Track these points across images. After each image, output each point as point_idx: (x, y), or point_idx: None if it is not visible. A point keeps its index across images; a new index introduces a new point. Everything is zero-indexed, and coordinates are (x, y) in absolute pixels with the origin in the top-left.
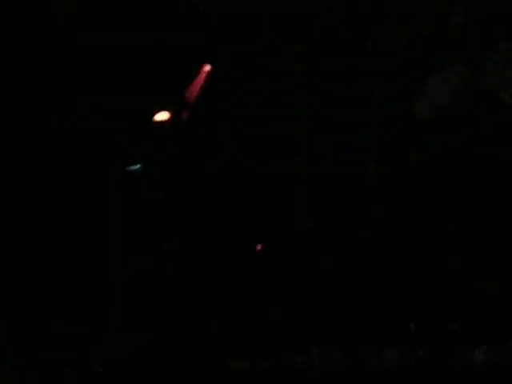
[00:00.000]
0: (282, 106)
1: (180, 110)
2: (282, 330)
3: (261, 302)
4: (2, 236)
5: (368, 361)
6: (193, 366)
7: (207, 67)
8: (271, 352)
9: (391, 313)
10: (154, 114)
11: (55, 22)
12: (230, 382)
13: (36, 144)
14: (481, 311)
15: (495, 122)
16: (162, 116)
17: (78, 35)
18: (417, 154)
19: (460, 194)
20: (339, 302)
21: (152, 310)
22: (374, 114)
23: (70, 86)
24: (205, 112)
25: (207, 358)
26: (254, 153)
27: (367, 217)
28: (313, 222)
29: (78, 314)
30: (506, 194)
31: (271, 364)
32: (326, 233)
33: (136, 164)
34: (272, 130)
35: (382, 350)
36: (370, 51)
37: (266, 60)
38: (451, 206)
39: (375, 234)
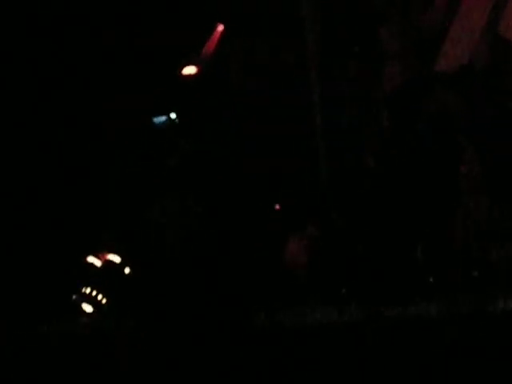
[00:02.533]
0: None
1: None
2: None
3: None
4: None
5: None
6: (215, 323)
7: (220, 27)
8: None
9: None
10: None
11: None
12: (252, 338)
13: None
14: None
15: None
16: (189, 70)
17: None
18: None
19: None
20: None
21: (175, 265)
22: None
23: None
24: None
25: (229, 315)
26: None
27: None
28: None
29: None
30: None
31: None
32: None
33: (161, 115)
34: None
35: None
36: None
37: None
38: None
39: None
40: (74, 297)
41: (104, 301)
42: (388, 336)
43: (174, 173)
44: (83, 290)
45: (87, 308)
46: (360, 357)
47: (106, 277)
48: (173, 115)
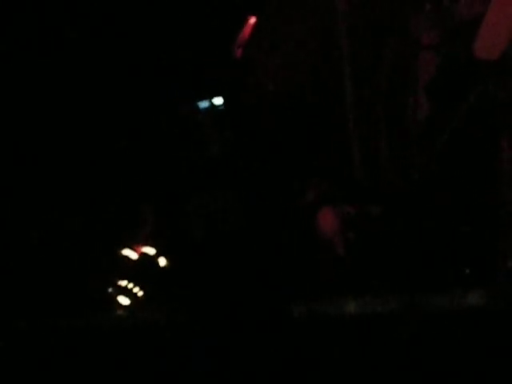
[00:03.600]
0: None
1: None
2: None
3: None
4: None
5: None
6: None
7: (252, 19)
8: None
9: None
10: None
11: None
12: (290, 328)
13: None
14: None
15: None
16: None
17: None
18: None
19: None
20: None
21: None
22: None
23: None
24: None
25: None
26: None
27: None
28: None
29: None
30: None
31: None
32: None
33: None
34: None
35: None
36: None
37: None
38: None
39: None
40: (109, 290)
41: (140, 293)
42: (427, 327)
43: (215, 163)
44: (119, 282)
45: (123, 301)
46: (398, 348)
47: (142, 269)
48: (217, 101)
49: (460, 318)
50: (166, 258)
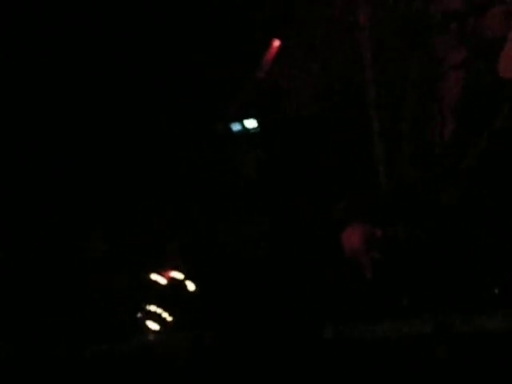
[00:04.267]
0: None
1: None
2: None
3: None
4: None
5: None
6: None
7: (276, 42)
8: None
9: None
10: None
11: None
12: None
13: None
14: None
15: None
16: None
17: None
18: None
19: None
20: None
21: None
22: None
23: None
24: None
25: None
26: None
27: None
28: None
29: None
30: None
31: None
32: None
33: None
34: None
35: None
36: None
37: None
38: None
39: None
40: (139, 315)
41: (169, 318)
42: (458, 349)
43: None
44: (148, 307)
45: (153, 325)
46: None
47: (171, 294)
48: (250, 123)
49: (495, 340)
50: (194, 282)
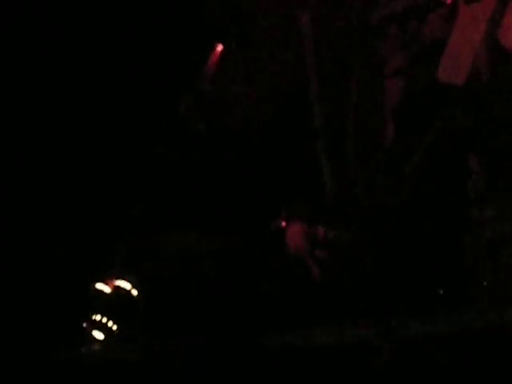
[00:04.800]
0: None
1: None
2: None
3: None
4: None
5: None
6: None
7: (220, 47)
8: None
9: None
10: None
11: None
12: (260, 359)
13: None
14: None
15: None
16: None
17: None
18: None
19: None
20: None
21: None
22: None
23: None
24: None
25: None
26: None
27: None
28: None
29: None
30: None
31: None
32: None
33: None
34: None
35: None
36: None
37: None
38: None
39: None
40: (84, 324)
41: (115, 327)
42: (403, 355)
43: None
44: (93, 317)
45: (98, 335)
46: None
47: (116, 303)
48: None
49: (439, 343)
50: (139, 291)
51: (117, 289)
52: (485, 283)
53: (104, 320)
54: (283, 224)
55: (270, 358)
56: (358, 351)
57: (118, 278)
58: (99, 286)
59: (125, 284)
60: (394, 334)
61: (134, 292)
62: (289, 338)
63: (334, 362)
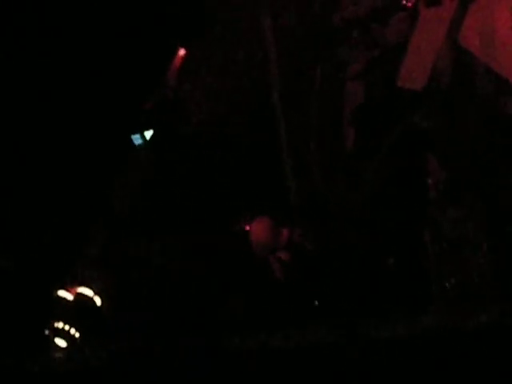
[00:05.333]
0: None
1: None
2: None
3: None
4: None
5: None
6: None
7: (182, 51)
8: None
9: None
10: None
11: None
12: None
13: None
14: None
15: None
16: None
17: None
18: None
19: None
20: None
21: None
22: None
23: None
24: None
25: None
26: None
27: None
28: None
29: None
30: None
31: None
32: None
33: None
34: None
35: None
36: None
37: None
38: None
39: None
40: (46, 332)
41: (77, 335)
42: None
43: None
44: (55, 324)
45: (61, 343)
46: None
47: (79, 310)
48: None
49: (399, 345)
50: (101, 298)
51: (79, 296)
52: (446, 284)
53: (66, 327)
54: (246, 224)
55: (230, 361)
56: (321, 353)
57: (80, 284)
58: (61, 293)
59: (87, 291)
60: (357, 336)
61: (97, 299)
62: (250, 341)
63: (298, 363)
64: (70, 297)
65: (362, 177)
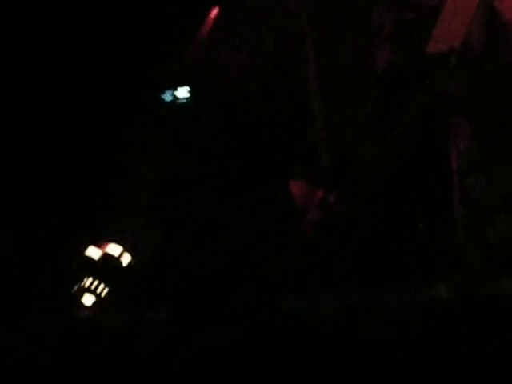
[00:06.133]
0: None
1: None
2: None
3: None
4: None
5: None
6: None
7: (215, 11)
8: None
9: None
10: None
11: None
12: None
13: None
14: None
15: None
16: None
17: None
18: None
19: None
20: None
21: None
22: None
23: None
24: None
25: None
26: None
27: None
28: None
29: None
30: None
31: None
32: None
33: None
34: None
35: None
36: None
37: None
38: None
39: None
40: (74, 289)
41: (104, 293)
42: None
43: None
44: (83, 282)
45: (87, 301)
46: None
47: (106, 268)
48: (180, 93)
49: (422, 312)
50: (130, 255)
51: (105, 255)
52: (473, 251)
53: (93, 286)
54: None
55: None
56: (344, 318)
57: (110, 241)
58: (89, 251)
59: (115, 249)
60: (380, 302)
61: (126, 257)
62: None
63: (322, 329)
64: (96, 255)
65: (390, 141)
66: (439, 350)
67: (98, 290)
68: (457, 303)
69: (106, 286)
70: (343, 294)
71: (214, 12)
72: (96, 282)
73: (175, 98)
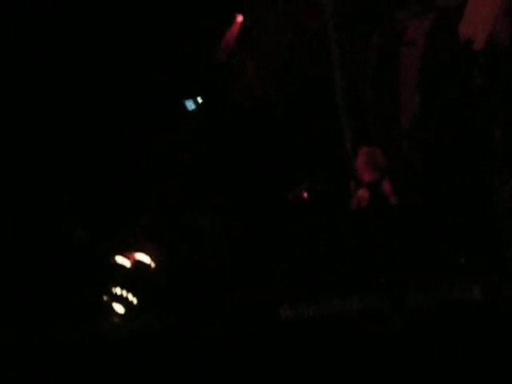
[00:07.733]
0: None
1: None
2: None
3: None
4: None
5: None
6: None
7: (240, 18)
8: None
9: None
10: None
11: None
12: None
13: None
14: None
15: None
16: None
17: None
18: None
19: None
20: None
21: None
22: None
23: None
24: None
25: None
26: None
27: None
28: None
29: None
30: None
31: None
32: None
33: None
34: None
35: None
36: None
37: None
38: None
39: None
40: (104, 298)
41: (135, 301)
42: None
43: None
44: (114, 290)
45: (119, 309)
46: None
47: (136, 277)
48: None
49: (456, 312)
50: (158, 265)
51: (137, 263)
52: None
53: (124, 293)
54: (303, 194)
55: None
56: (368, 319)
57: (137, 250)
58: (119, 259)
59: (144, 258)
60: (405, 304)
61: (154, 265)
62: (301, 307)
63: (344, 330)
64: (127, 263)
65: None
66: (467, 352)
67: (130, 298)
68: (491, 306)
69: (137, 293)
70: (375, 289)
71: (239, 20)
72: (127, 290)
73: (198, 105)
